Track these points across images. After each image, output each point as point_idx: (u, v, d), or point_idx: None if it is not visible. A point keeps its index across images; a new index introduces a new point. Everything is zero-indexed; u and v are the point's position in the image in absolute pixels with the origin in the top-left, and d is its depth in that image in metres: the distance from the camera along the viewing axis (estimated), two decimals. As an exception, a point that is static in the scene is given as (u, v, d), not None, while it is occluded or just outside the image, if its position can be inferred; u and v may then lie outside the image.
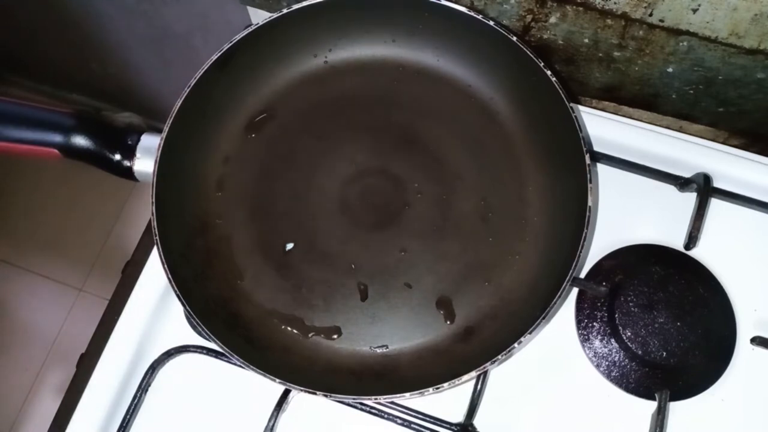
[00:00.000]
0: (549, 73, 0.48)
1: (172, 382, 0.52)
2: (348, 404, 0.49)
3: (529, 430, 0.50)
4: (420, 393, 0.43)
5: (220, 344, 0.44)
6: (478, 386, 0.48)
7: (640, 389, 0.50)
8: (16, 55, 1.34)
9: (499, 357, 0.43)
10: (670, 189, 0.55)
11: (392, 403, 0.49)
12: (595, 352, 0.51)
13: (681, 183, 0.54)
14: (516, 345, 0.43)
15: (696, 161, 0.55)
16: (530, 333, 0.43)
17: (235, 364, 0.47)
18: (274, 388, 0.48)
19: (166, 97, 1.21)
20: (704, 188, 0.53)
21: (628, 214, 0.55)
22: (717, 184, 0.54)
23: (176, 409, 0.51)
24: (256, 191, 0.53)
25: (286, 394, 0.49)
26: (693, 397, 0.50)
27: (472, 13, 0.50)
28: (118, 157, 0.48)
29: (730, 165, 0.55)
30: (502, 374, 0.51)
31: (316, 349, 0.49)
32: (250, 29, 0.51)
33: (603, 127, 0.57)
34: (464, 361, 0.45)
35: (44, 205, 1.46)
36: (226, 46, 0.50)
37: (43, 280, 1.42)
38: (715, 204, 0.55)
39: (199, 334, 0.47)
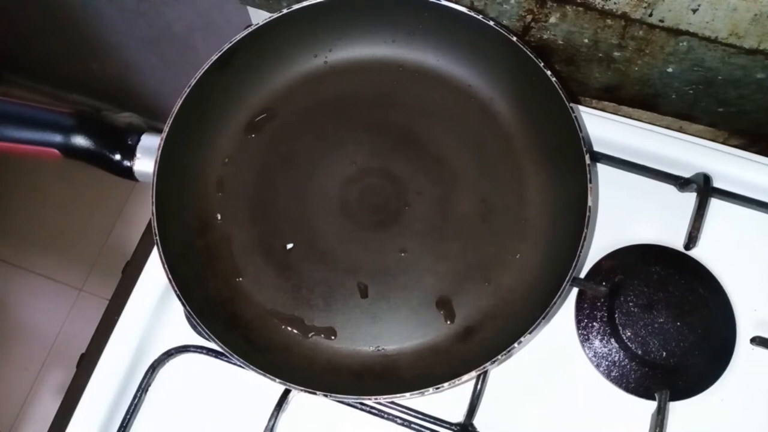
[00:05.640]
0: (549, 73, 0.48)
1: (172, 382, 0.52)
2: (348, 404, 0.49)
3: (529, 430, 0.50)
4: (420, 393, 0.43)
5: (220, 344, 0.44)
6: (478, 386, 0.48)
7: (640, 389, 0.50)
8: (16, 55, 1.34)
9: (499, 357, 0.43)
10: (670, 189, 0.55)
11: (392, 403, 0.49)
12: (595, 352, 0.51)
13: (681, 183, 0.54)
14: (516, 345, 0.43)
15: (696, 161, 0.55)
16: (530, 333, 0.43)
17: (235, 364, 0.47)
18: (274, 388, 0.48)
19: (166, 97, 1.21)
20: (704, 188, 0.53)
21: (628, 214, 0.55)
22: (717, 184, 0.54)
23: (176, 409, 0.51)
24: (256, 191, 0.53)
25: (286, 394, 0.49)
26: (693, 397, 0.50)
27: (472, 13, 0.50)
28: (118, 157, 0.48)
29: (730, 165, 0.55)
30: (502, 374, 0.51)
31: (316, 348, 0.49)
32: (250, 29, 0.51)
33: (603, 127, 0.57)
34: (464, 361, 0.45)
35: (44, 205, 1.46)
36: (226, 46, 0.50)
37: (43, 280, 1.42)
38: (715, 204, 0.55)
39: (199, 334, 0.47)
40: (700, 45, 0.50)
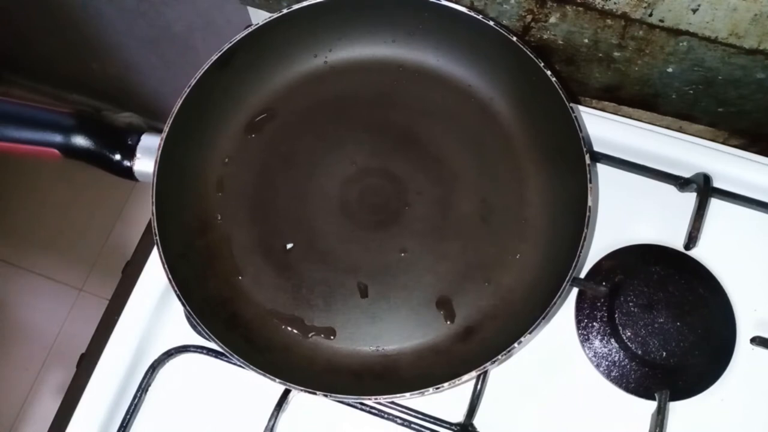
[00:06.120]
0: (549, 73, 0.48)
1: (172, 382, 0.52)
2: (348, 404, 0.49)
3: (529, 430, 0.50)
4: (420, 393, 0.43)
5: (220, 344, 0.44)
6: (478, 386, 0.48)
7: (640, 389, 0.50)
8: (16, 55, 1.34)
9: (499, 357, 0.43)
10: (670, 189, 0.55)
11: (392, 403, 0.49)
12: (595, 352, 0.51)
13: (681, 183, 0.54)
14: (516, 345, 0.43)
15: (696, 161, 0.55)
16: (530, 333, 0.43)
17: (235, 364, 0.47)
18: (274, 388, 0.48)
19: (166, 97, 1.21)
20: (704, 188, 0.53)
21: (628, 214, 0.55)
22: (717, 184, 0.54)
23: (176, 409, 0.51)
24: (256, 191, 0.53)
25: (286, 394, 0.49)
26: (693, 397, 0.50)
27: (472, 13, 0.50)
28: (118, 157, 0.48)
29: (730, 165, 0.55)
30: (502, 374, 0.51)
31: (316, 348, 0.49)
32: (250, 29, 0.51)
33: (603, 127, 0.57)
34: (464, 361, 0.45)
35: (44, 205, 1.46)
36: (226, 46, 0.50)
37: (43, 280, 1.42)
38: (715, 204, 0.55)
39: (199, 334, 0.47)
40: (700, 45, 0.50)
